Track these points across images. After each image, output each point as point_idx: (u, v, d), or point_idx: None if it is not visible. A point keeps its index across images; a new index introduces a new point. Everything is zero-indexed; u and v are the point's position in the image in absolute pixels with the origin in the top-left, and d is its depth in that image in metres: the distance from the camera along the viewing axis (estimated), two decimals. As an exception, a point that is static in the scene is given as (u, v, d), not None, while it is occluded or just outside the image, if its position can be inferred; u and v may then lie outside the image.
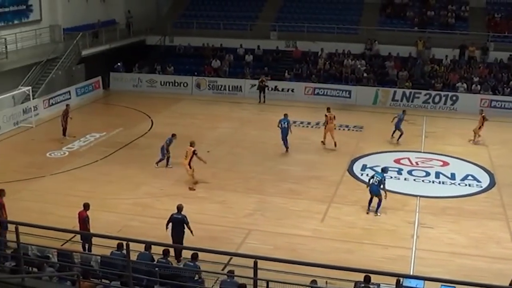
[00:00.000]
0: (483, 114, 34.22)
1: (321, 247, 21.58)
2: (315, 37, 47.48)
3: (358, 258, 20.50)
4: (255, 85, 44.41)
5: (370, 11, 50.37)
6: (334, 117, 32.90)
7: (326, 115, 32.93)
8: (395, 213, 24.52)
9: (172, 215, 20.57)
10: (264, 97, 43.29)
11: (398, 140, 33.70)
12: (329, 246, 21.77)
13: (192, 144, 27.29)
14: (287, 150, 32.25)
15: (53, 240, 18.45)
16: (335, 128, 33.13)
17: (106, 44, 45.55)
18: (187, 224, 20.39)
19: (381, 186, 24.46)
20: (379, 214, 24.41)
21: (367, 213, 24.59)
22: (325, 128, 33.22)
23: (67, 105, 35.51)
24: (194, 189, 26.78)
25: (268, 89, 43.79)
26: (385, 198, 24.42)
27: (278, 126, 32.19)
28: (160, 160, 29.35)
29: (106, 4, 48.93)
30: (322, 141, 33.36)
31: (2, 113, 35.50)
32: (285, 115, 32.61)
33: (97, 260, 17.13)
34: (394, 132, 33.91)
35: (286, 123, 32.05)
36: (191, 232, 20.37)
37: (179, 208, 20.71)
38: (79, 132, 34.86)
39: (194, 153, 26.85)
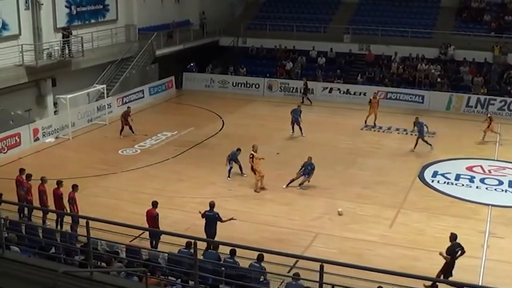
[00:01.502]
0: None
1: (388, 253, 21.33)
2: (388, 40, 46.97)
3: (426, 266, 20.16)
4: (327, 88, 44.35)
5: (446, 15, 49.57)
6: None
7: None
8: (466, 221, 24.05)
9: (205, 212, 20.74)
10: (308, 99, 43.33)
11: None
12: (396, 252, 21.50)
13: (253, 147, 27.53)
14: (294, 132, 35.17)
15: (122, 236, 18.72)
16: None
17: (180, 44, 46.06)
18: (220, 220, 20.61)
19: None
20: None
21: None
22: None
23: (128, 107, 36.06)
24: (258, 192, 26.91)
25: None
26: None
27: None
28: (229, 171, 28.81)
29: (181, 5, 49.49)
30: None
31: (77, 109, 36.30)
32: (298, 106, 35.97)
33: (165, 257, 17.33)
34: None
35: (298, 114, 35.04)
36: (231, 219, 20.88)
37: (211, 205, 20.85)
38: (151, 131, 35.41)
39: (250, 157, 27.10)
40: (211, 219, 20.58)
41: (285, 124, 36.59)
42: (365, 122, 37.74)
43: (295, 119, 34.92)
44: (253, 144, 27.75)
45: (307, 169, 27.27)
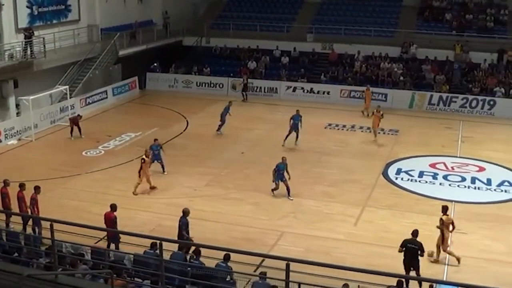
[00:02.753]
0: None
1: (354, 251, 21.43)
2: (351, 39, 47.26)
3: (392, 262, 20.25)
4: (290, 87, 44.52)
5: (408, 14, 50.02)
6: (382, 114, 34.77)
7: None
8: (430, 218, 24.19)
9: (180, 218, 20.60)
10: (246, 95, 44.12)
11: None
12: (362, 250, 21.62)
13: (146, 152, 27.13)
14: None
15: (87, 238, 18.59)
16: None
17: (143, 44, 45.80)
18: (182, 229, 20.25)
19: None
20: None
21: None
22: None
23: (78, 115, 35.72)
24: (137, 194, 26.27)
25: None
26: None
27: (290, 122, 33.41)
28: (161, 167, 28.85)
29: (144, 5, 49.22)
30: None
31: (40, 111, 35.91)
32: (297, 111, 33.93)
33: (130, 258, 17.24)
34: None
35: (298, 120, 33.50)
36: (187, 237, 20.24)
37: (183, 212, 20.66)
38: (115, 132, 35.19)
39: (142, 162, 26.51)
40: (179, 225, 20.45)
41: (250, 123, 36.62)
42: (362, 113, 39.62)
43: (295, 125, 33.43)
44: (146, 149, 27.53)
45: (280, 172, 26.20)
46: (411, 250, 18.82)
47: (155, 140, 29.16)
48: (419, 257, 18.89)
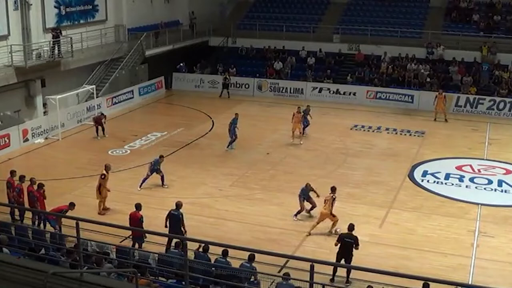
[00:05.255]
0: None
1: (378, 253, 21.32)
2: (378, 40, 47.07)
3: (417, 265, 20.23)
4: (316, 87, 44.48)
5: (435, 15, 49.74)
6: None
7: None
8: (456, 221, 24.10)
9: (170, 211, 20.70)
10: (228, 93, 44.41)
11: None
12: (387, 252, 21.52)
13: (106, 167, 24.99)
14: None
15: (112, 237, 18.70)
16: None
17: (170, 44, 45.97)
18: (182, 221, 20.40)
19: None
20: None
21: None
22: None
23: (102, 113, 35.86)
24: (103, 214, 24.29)
25: (231, 85, 45.35)
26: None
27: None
28: (143, 180, 27.32)
29: (170, 5, 49.44)
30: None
31: (67, 110, 36.20)
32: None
33: (155, 258, 17.31)
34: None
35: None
36: (184, 230, 20.39)
37: (178, 205, 20.75)
38: (141, 131, 35.36)
39: (101, 177, 24.48)
40: (175, 218, 20.51)
41: (276, 124, 36.60)
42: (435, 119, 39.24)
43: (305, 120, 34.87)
44: (106, 164, 25.47)
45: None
46: (347, 243, 19.13)
47: (161, 157, 27.49)
48: (354, 250, 19.11)
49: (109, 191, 24.52)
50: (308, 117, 35.22)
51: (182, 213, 20.60)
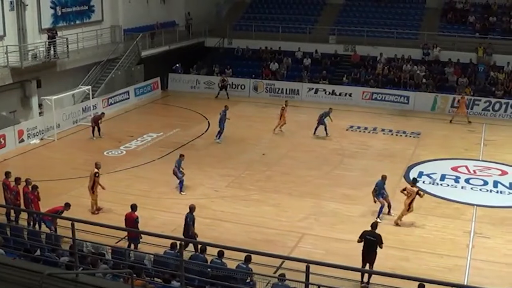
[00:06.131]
0: None
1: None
2: (374, 41, 47.14)
3: (414, 266, 20.25)
4: (312, 88, 44.51)
5: (431, 16, 49.82)
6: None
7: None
8: (452, 222, 24.12)
9: (186, 214, 20.65)
10: (227, 94, 44.45)
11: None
12: (384, 253, 21.44)
13: (96, 165, 24.74)
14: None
15: (108, 238, 18.67)
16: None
17: (166, 45, 45.96)
18: (191, 224, 20.37)
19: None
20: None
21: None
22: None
23: (102, 113, 35.85)
24: (97, 213, 24.27)
25: (230, 87, 45.50)
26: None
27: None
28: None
29: (166, 6, 49.46)
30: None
31: (62, 111, 36.12)
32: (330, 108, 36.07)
33: (150, 258, 17.29)
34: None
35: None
36: (195, 234, 20.36)
37: (190, 208, 20.74)
38: (137, 132, 35.34)
39: (95, 175, 24.32)
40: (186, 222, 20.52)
41: (272, 125, 36.58)
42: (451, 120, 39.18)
43: (321, 120, 35.33)
44: (96, 162, 25.24)
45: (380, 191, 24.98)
46: (369, 241, 19.06)
47: (181, 156, 27.38)
48: (377, 249, 19.04)
49: (104, 188, 24.51)
50: (328, 119, 35.38)
51: (194, 216, 20.55)
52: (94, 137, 34.23)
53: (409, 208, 23.45)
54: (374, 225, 19.55)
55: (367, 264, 18.96)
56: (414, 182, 24.62)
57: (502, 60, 44.06)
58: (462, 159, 31.87)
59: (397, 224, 23.55)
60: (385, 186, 24.63)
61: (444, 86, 43.68)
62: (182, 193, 26.61)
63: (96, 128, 34.31)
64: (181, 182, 26.78)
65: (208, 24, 51.68)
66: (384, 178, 24.77)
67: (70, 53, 36.78)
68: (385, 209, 24.54)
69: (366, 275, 18.42)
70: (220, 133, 34.03)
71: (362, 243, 19.19)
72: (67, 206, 21.04)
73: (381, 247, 19.06)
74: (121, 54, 42.15)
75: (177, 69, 48.15)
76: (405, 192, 23.65)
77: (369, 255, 18.96)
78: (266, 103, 43.23)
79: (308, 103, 43.04)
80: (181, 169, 26.86)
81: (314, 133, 35.42)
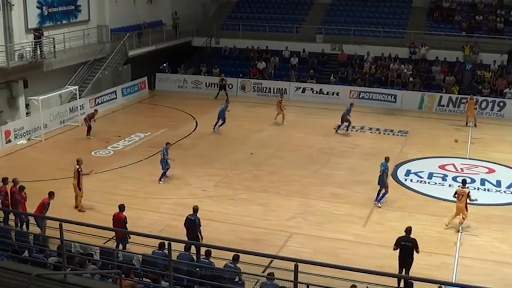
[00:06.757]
0: None
1: (363, 252, 21.37)
2: (361, 40, 47.22)
3: (401, 264, 20.29)
4: (300, 87, 44.56)
5: (418, 15, 49.94)
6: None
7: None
8: (439, 220, 24.17)
9: (187, 216, 20.62)
10: (226, 94, 43.95)
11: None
12: (371, 251, 21.56)
13: (78, 162, 24.92)
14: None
15: (96, 238, 18.61)
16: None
17: (153, 45, 45.88)
18: (198, 226, 20.36)
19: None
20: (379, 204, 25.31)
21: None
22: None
23: (95, 110, 35.89)
24: (84, 211, 24.39)
25: (228, 87, 45.32)
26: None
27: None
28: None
29: (153, 5, 49.35)
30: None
31: (49, 111, 35.96)
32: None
33: (139, 258, 17.26)
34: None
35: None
36: (201, 236, 20.39)
37: (194, 209, 20.72)
38: (124, 132, 35.25)
39: (78, 171, 24.50)
40: (192, 223, 20.44)
41: (259, 124, 36.59)
42: (466, 124, 38.49)
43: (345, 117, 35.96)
44: (78, 158, 25.40)
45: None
46: (405, 247, 18.78)
47: (167, 144, 28.25)
48: (414, 255, 18.78)
49: (89, 173, 25.44)
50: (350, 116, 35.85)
51: (199, 218, 20.53)
52: (90, 136, 34.13)
53: (466, 209, 23.32)
54: (408, 230, 19.11)
55: (403, 270, 18.64)
56: (463, 183, 24.28)
57: (489, 58, 44.23)
58: (450, 157, 31.96)
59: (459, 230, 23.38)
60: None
61: (431, 85, 43.81)
62: (160, 182, 27.22)
63: (87, 128, 34.20)
64: (163, 174, 27.31)
65: (195, 23, 51.66)
66: (387, 159, 25.91)
67: (57, 53, 36.61)
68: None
69: (402, 282, 17.64)
70: (217, 123, 35.78)
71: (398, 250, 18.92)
72: (51, 194, 21.35)
73: (417, 252, 18.73)
74: (108, 54, 42.02)
75: (164, 68, 48.08)
76: (456, 195, 23.50)
77: (406, 261, 18.66)
78: (254, 103, 43.23)
79: (295, 102, 43.04)
80: (168, 159, 27.37)
81: (336, 131, 35.90)
